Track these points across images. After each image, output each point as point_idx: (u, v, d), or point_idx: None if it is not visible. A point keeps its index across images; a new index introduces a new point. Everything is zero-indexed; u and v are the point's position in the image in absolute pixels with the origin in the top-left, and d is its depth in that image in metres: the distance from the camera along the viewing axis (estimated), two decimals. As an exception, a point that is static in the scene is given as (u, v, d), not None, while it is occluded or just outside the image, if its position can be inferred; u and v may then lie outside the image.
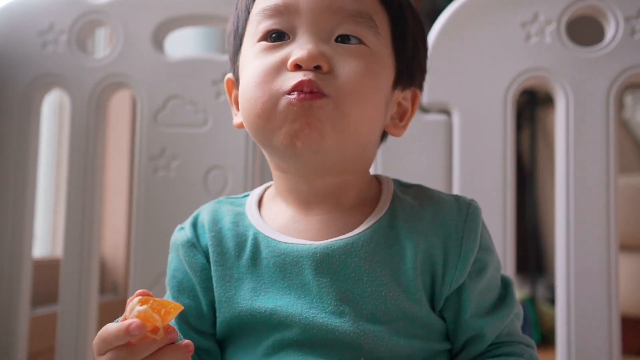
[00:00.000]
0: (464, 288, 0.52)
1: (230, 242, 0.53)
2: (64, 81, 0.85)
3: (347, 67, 0.49)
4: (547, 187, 2.03)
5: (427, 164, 0.79)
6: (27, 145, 0.85)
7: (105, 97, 0.86)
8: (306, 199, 0.53)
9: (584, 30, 0.95)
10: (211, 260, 0.53)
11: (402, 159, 0.79)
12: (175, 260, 0.55)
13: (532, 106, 2.04)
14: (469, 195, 0.76)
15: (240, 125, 0.55)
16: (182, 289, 0.54)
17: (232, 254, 0.53)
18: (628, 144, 1.77)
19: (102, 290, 1.29)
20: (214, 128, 0.82)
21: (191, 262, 0.54)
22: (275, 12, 0.51)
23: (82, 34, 0.86)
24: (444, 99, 0.79)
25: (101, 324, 0.89)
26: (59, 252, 1.22)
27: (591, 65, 0.76)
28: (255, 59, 0.51)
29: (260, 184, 0.83)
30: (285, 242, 0.51)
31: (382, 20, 0.52)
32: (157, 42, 0.85)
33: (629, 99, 1.85)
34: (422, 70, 0.57)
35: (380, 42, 0.51)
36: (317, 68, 0.48)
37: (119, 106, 1.27)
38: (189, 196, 0.82)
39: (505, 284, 0.55)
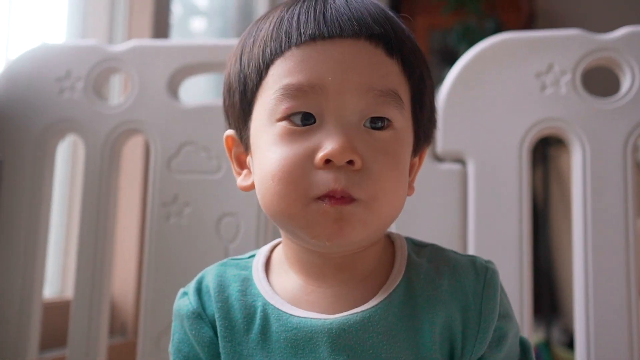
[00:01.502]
0: (484, 359, 0.49)
1: (238, 315, 0.50)
2: (79, 127, 0.86)
3: (378, 164, 0.46)
4: (560, 227, 2.01)
5: (442, 213, 0.79)
6: (41, 190, 0.85)
7: (120, 143, 0.86)
8: (319, 271, 0.50)
9: (601, 80, 0.95)
10: (219, 334, 0.50)
11: (417, 209, 0.78)
12: (179, 331, 0.52)
13: (544, 145, 2.03)
14: (485, 246, 0.77)
15: (247, 188, 0.53)
16: None
17: (240, 328, 0.50)
18: (642, 186, 1.75)
19: (111, 332, 1.27)
20: (227, 175, 0.82)
21: (198, 335, 0.51)
22: (299, 92, 0.47)
23: (98, 81, 0.87)
24: (459, 148, 0.79)
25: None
26: (68, 292, 1.21)
27: (607, 117, 0.76)
28: (276, 146, 0.47)
29: (273, 233, 0.84)
30: (298, 316, 0.48)
31: (405, 93, 0.50)
32: (172, 89, 0.86)
33: (642, 141, 1.84)
34: (435, 128, 0.56)
35: (404, 117, 0.49)
36: (348, 163, 0.45)
37: (131, 152, 1.27)
38: (201, 243, 0.81)
39: (524, 348, 0.53)
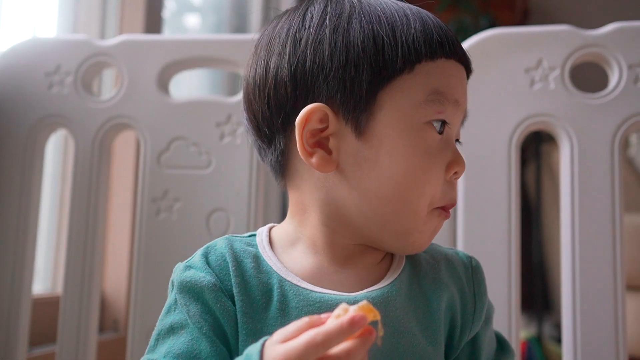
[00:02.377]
0: (477, 336, 0.55)
1: (256, 291, 0.50)
2: (68, 122, 0.86)
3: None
4: (552, 222, 2.02)
5: (431, 208, 0.79)
6: (30, 185, 0.85)
7: (110, 138, 0.86)
8: (349, 254, 0.52)
9: (589, 75, 0.95)
10: (238, 310, 0.49)
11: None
12: (195, 303, 0.49)
13: (537, 142, 2.04)
14: (474, 240, 0.77)
15: (326, 170, 0.50)
16: (218, 334, 0.48)
17: (259, 305, 0.49)
18: (633, 182, 1.76)
19: (103, 327, 1.27)
20: (217, 170, 0.82)
21: (223, 309, 0.49)
22: (447, 101, 0.51)
23: (87, 76, 0.87)
24: (448, 143, 0.79)
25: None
26: (60, 288, 1.21)
27: (595, 112, 0.76)
28: (424, 151, 0.50)
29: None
30: (320, 292, 0.49)
31: None
32: (162, 84, 0.86)
33: (634, 137, 1.85)
34: None
35: None
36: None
37: (123, 147, 1.27)
38: (191, 238, 0.81)
39: (497, 335, 0.58)
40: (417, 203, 0.50)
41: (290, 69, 0.51)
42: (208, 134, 0.83)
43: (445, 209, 0.52)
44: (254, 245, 0.53)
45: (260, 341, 0.42)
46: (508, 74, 0.78)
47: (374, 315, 0.40)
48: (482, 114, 0.79)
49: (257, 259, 0.51)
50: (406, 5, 0.53)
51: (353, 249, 0.53)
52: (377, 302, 0.49)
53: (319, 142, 0.51)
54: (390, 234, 0.51)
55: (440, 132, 0.51)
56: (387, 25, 0.50)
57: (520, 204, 0.78)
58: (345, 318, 0.39)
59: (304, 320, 0.41)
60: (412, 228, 0.51)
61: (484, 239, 0.77)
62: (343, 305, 0.40)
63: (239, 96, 0.84)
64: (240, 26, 2.00)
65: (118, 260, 1.29)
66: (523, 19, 2.59)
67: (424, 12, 0.53)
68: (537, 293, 1.96)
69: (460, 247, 0.78)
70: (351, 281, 0.51)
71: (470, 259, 0.56)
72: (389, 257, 0.54)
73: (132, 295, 0.81)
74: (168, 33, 1.55)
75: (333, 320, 0.39)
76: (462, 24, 2.40)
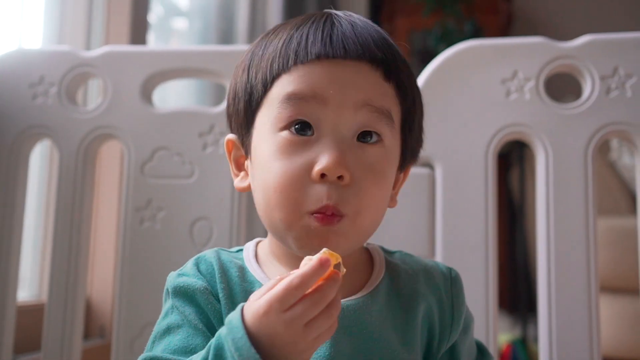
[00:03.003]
0: (456, 345, 0.56)
1: (239, 298, 0.52)
2: (52, 132, 0.86)
3: (365, 181, 0.50)
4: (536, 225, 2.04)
5: (411, 216, 0.81)
6: (14, 195, 0.85)
7: (94, 149, 0.87)
8: None
9: (564, 86, 0.97)
10: (224, 315, 0.51)
11: (387, 211, 0.80)
12: (190, 306, 0.52)
13: (520, 146, 2.07)
14: (452, 247, 0.79)
15: (244, 189, 0.57)
16: (211, 332, 0.50)
17: None
18: (614, 185, 1.79)
19: (89, 334, 1.28)
20: (200, 179, 0.83)
21: (214, 311, 0.51)
22: (302, 100, 0.50)
23: (71, 86, 0.87)
24: (427, 153, 0.81)
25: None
26: (46, 296, 1.21)
27: (569, 122, 0.78)
28: (277, 157, 0.50)
29: (246, 236, 0.85)
30: None
31: (396, 114, 0.54)
32: (146, 94, 0.87)
33: (614, 142, 1.88)
34: (421, 147, 0.60)
35: (393, 136, 0.53)
36: (338, 177, 0.49)
37: (110, 156, 1.27)
38: (174, 247, 0.82)
39: (477, 343, 0.60)
40: (281, 210, 0.50)
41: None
42: (191, 144, 0.84)
43: (321, 215, 0.49)
44: (241, 259, 0.56)
45: (239, 306, 0.45)
46: (484, 85, 0.80)
47: (336, 258, 0.44)
48: (459, 124, 0.80)
49: (242, 270, 0.54)
50: (305, 17, 0.55)
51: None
52: (353, 311, 0.52)
53: (243, 165, 0.57)
54: (287, 244, 0.52)
55: (300, 133, 0.50)
56: (261, 50, 0.54)
57: (497, 212, 0.80)
58: (314, 260, 0.43)
59: (272, 280, 0.44)
60: (286, 234, 0.51)
61: (462, 247, 0.78)
62: (306, 257, 0.44)
63: (221, 106, 0.86)
64: (227, 31, 2.01)
65: (105, 267, 1.30)
66: (507, 24, 2.61)
67: (314, 17, 0.54)
68: (522, 295, 1.99)
69: (439, 254, 0.79)
70: None
71: (449, 270, 0.58)
72: (369, 269, 0.56)
73: (116, 303, 0.82)
74: (155, 37, 1.55)
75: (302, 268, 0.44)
76: (446, 28, 2.42)
